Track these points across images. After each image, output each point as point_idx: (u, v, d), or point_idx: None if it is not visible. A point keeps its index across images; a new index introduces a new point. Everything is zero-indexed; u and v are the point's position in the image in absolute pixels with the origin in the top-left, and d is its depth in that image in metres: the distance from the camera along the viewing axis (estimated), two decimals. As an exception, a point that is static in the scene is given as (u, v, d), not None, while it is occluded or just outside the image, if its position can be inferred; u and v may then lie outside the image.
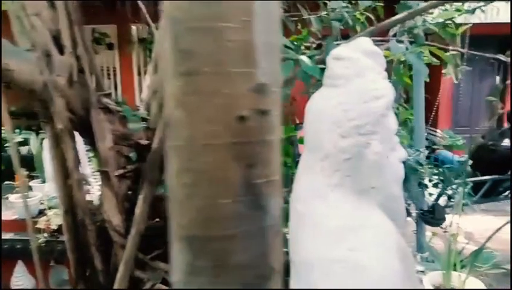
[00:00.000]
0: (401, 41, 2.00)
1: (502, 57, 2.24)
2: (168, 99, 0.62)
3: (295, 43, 2.01)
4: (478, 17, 3.21)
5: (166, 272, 1.59)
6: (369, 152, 0.73)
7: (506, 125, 4.09)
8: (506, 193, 3.14)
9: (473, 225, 3.01)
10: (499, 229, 1.64)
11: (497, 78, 6.71)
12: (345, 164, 0.75)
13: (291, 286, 0.82)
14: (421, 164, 2.27)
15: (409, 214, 2.63)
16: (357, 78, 0.75)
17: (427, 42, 2.54)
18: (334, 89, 0.77)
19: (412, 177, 2.11)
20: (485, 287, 1.50)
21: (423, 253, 2.82)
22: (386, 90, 0.75)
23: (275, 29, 0.63)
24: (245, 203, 0.61)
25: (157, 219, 1.64)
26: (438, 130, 6.50)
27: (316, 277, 0.70)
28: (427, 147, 5.46)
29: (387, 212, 0.77)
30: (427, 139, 5.69)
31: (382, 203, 0.76)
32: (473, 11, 2.56)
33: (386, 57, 1.29)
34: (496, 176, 2.79)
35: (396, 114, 2.93)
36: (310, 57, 1.11)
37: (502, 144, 3.31)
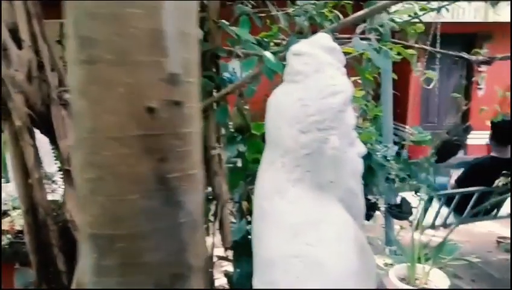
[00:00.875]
0: (368, 39, 2.04)
1: (465, 55, 2.32)
2: (71, 89, 0.59)
3: (265, 39, 2.02)
4: (445, 16, 3.31)
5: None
6: (327, 147, 0.74)
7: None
8: (495, 211, 3.07)
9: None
10: (460, 221, 1.70)
11: (464, 75, 6.96)
12: (305, 160, 0.75)
13: (254, 283, 0.82)
14: (388, 160, 2.32)
15: (377, 208, 2.69)
16: (316, 74, 0.75)
17: (393, 40, 2.60)
18: (293, 85, 0.77)
19: (379, 172, 2.16)
20: (447, 277, 1.56)
21: (391, 246, 2.91)
22: (344, 86, 0.76)
23: (190, 18, 0.60)
24: (157, 198, 0.58)
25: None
26: (407, 126, 6.69)
27: (276, 273, 0.70)
28: (396, 143, 5.62)
29: (346, 207, 0.78)
30: (396, 135, 5.85)
31: (341, 197, 0.78)
32: (438, 10, 2.65)
33: (348, 53, 1.32)
34: (482, 188, 2.75)
35: (365, 111, 3.00)
36: (274, 53, 1.11)
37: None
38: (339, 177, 0.77)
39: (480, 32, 6.46)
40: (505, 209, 3.22)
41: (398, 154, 5.17)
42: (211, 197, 1.94)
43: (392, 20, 2.25)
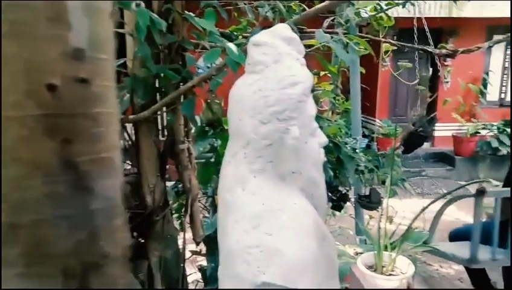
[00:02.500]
0: (336, 33, 2.06)
1: (429, 49, 2.39)
2: None
3: (234, 33, 2.01)
4: (408, 11, 3.40)
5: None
6: (288, 138, 0.74)
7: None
8: None
9: (409, 207, 3.23)
10: (424, 209, 1.75)
11: (431, 70, 7.18)
12: (266, 150, 0.76)
13: (219, 275, 0.82)
14: (357, 152, 2.37)
15: (348, 199, 2.76)
16: (275, 65, 0.76)
17: (361, 34, 2.65)
18: (254, 76, 0.77)
19: (348, 164, 2.20)
20: (412, 264, 1.60)
21: (361, 236, 2.98)
22: (303, 77, 0.77)
23: None
24: (63, 183, 0.54)
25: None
26: (376, 119, 6.86)
27: (237, 264, 0.70)
28: (366, 136, 5.75)
29: (308, 196, 0.79)
30: (366, 128, 6.00)
31: (303, 187, 0.78)
32: (403, 5, 2.71)
33: (310, 46, 1.33)
34: None
35: (333, 104, 3.05)
36: (237, 45, 1.10)
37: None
38: (300, 168, 0.78)
39: (445, 27, 6.67)
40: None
41: (368, 146, 5.31)
42: (181, 192, 1.93)
43: (358, 15, 2.29)
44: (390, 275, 1.60)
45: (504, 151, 6.35)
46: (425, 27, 3.19)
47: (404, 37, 3.32)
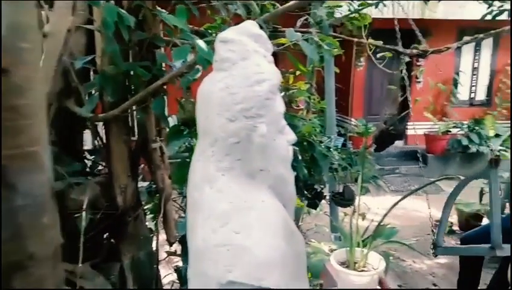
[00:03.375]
0: (309, 32, 2.08)
1: (400, 49, 2.45)
2: None
3: (209, 31, 1.99)
4: (381, 12, 3.46)
5: (71, 272, 1.49)
6: (255, 135, 0.74)
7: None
8: None
9: (383, 204, 3.30)
10: (394, 205, 1.79)
11: (404, 70, 7.34)
12: (234, 148, 0.75)
13: (188, 274, 0.81)
14: (330, 150, 2.40)
15: (323, 197, 2.79)
16: (242, 62, 0.75)
17: (335, 34, 2.68)
18: (221, 73, 0.76)
19: (322, 162, 2.23)
20: (383, 259, 1.64)
21: (336, 233, 3.02)
22: (271, 74, 0.76)
23: None
24: None
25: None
26: (352, 119, 6.97)
27: (205, 263, 0.70)
28: (342, 135, 5.83)
29: (276, 194, 0.79)
30: (342, 127, 6.09)
31: (271, 185, 0.78)
32: (376, 5, 2.76)
33: (281, 44, 1.33)
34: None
35: (308, 103, 3.08)
36: (207, 42, 1.09)
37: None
38: (268, 165, 0.77)
39: (418, 28, 6.83)
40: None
41: (344, 145, 5.38)
42: (154, 192, 1.90)
43: (331, 15, 2.32)
44: (362, 271, 1.63)
45: (473, 149, 6.57)
46: (412, 27, 3.25)
47: (379, 38, 3.38)
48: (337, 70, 3.28)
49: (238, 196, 0.74)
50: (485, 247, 2.00)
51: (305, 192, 2.62)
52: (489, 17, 2.66)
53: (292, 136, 0.83)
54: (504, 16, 2.60)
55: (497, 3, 2.70)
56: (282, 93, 3.03)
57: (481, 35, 2.44)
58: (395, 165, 6.72)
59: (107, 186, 1.64)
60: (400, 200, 1.82)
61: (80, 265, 1.37)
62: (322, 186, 2.71)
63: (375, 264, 1.67)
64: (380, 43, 2.71)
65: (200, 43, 1.06)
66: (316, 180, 2.56)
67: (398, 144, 7.25)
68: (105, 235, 1.79)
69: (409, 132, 7.33)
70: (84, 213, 1.41)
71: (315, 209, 2.89)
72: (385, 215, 1.78)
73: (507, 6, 2.60)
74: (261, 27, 0.86)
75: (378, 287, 1.65)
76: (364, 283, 1.55)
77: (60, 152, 1.50)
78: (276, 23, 2.08)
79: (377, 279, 1.59)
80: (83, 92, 1.49)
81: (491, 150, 5.45)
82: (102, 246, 1.69)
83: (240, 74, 0.75)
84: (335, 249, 2.36)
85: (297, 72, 2.78)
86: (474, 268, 2.55)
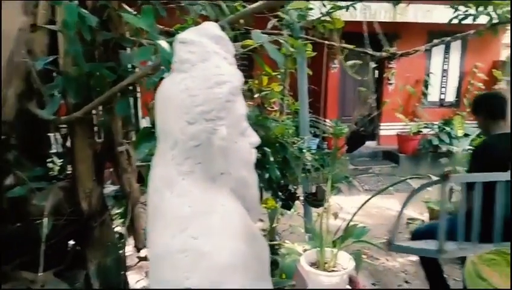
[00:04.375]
0: (281, 34, 2.09)
1: (369, 51, 2.49)
2: None
3: (179, 32, 1.96)
4: (352, 15, 3.51)
5: (32, 281, 1.43)
6: (216, 138, 0.73)
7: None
8: None
9: (357, 204, 3.36)
10: (363, 204, 1.82)
11: (376, 72, 7.50)
12: (194, 151, 0.73)
13: (150, 281, 0.78)
14: (303, 151, 2.42)
15: (296, 198, 2.80)
16: (202, 63, 0.74)
17: (307, 36, 2.71)
18: (181, 74, 0.75)
19: (294, 163, 2.24)
20: (352, 259, 1.65)
21: (310, 233, 3.04)
22: (231, 76, 0.75)
23: None
24: None
25: (19, 224, 1.46)
26: (327, 120, 7.06)
27: (163, 270, 0.68)
28: (317, 136, 5.88)
29: (239, 197, 0.78)
30: (317, 128, 6.15)
31: (233, 188, 0.77)
32: (347, 8, 2.80)
33: (246, 46, 1.33)
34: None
35: (281, 105, 3.09)
36: (170, 43, 1.07)
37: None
38: (229, 168, 0.76)
39: (389, 31, 7.00)
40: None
41: (318, 146, 5.41)
42: (121, 196, 1.85)
43: (303, 17, 2.34)
44: (332, 271, 1.65)
45: (444, 148, 6.78)
46: (382, 30, 3.31)
47: (352, 41, 3.44)
48: (310, 72, 3.31)
49: (198, 200, 0.72)
50: (432, 249, 2.19)
51: (279, 193, 2.63)
52: (455, 21, 2.75)
53: (255, 139, 0.83)
54: (469, 20, 2.69)
55: (462, 8, 2.79)
56: (256, 95, 3.03)
57: (448, 38, 2.52)
58: (368, 165, 6.85)
59: (72, 191, 1.59)
60: (368, 200, 1.85)
61: (42, 273, 1.32)
62: (295, 187, 2.72)
63: (345, 264, 1.69)
64: (350, 46, 2.74)
65: (163, 44, 1.04)
66: (289, 181, 2.57)
67: (371, 144, 7.41)
68: (70, 242, 1.74)
69: (382, 133, 7.49)
70: (46, 219, 1.36)
71: (289, 210, 2.89)
72: (354, 214, 1.81)
73: (472, 11, 2.69)
74: (224, 28, 0.85)
75: (348, 287, 1.67)
76: (334, 283, 1.56)
77: (20, 156, 1.45)
78: (249, 25, 2.08)
79: (347, 278, 1.61)
80: (45, 94, 1.44)
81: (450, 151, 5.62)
82: (66, 253, 1.64)
83: (200, 75, 0.73)
84: (308, 249, 2.37)
85: (273, 74, 2.78)
86: (432, 263, 2.65)
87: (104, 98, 1.31)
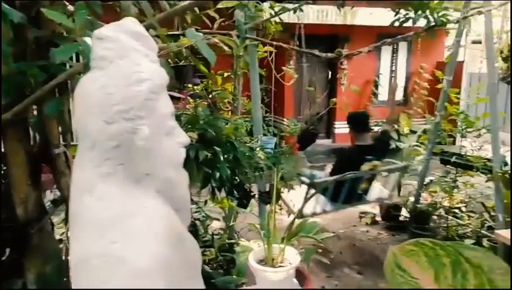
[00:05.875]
0: (237, 36, 2.08)
1: (316, 53, 2.55)
2: None
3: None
4: (298, 18, 3.58)
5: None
6: (137, 138, 0.71)
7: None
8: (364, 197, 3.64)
9: (310, 200, 3.44)
10: (309, 198, 1.86)
11: (329, 72, 7.72)
12: (114, 152, 0.71)
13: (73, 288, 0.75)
14: (253, 150, 2.43)
15: (251, 196, 2.81)
16: (120, 60, 0.71)
17: (256, 37, 2.73)
18: (98, 72, 0.72)
19: (245, 162, 2.24)
20: (298, 254, 1.69)
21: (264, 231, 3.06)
22: (151, 74, 0.73)
23: None
24: None
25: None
26: (284, 119, 7.17)
27: (80, 276, 0.65)
28: (275, 135, 5.93)
29: (166, 198, 0.76)
30: (276, 127, 6.22)
31: (159, 189, 0.75)
32: (294, 11, 2.85)
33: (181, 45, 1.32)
34: (352, 174, 3.14)
35: (233, 104, 3.09)
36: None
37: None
38: (154, 169, 0.74)
39: (340, 34, 7.22)
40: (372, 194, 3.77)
41: (276, 145, 5.46)
42: (60, 200, 1.77)
43: (252, 18, 2.36)
44: (280, 266, 1.67)
45: (393, 145, 7.09)
46: (333, 32, 3.40)
47: (306, 42, 3.51)
48: (263, 73, 3.33)
49: (119, 203, 0.70)
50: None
51: (234, 192, 2.62)
52: (397, 24, 2.88)
53: (185, 138, 0.81)
54: (410, 23, 2.84)
55: (403, 11, 2.93)
56: (210, 95, 3.01)
57: (388, 40, 2.63)
58: (323, 162, 7.02)
59: (6, 197, 1.50)
60: (313, 194, 1.90)
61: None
62: (250, 186, 2.73)
63: (291, 259, 1.71)
64: (297, 48, 2.80)
65: (88, 40, 1.00)
66: (245, 179, 2.57)
67: (327, 142, 7.61)
68: (7, 250, 1.64)
69: (337, 131, 7.72)
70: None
71: (245, 208, 2.90)
72: (300, 209, 1.85)
73: (411, 14, 2.83)
74: (149, 28, 0.83)
75: (295, 280, 1.70)
76: (281, 278, 1.59)
77: None
78: (197, 24, 2.06)
79: (293, 273, 1.64)
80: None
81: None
82: (2, 262, 1.55)
83: (117, 73, 0.71)
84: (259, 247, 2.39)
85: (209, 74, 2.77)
86: None
87: (34, 98, 1.25)
